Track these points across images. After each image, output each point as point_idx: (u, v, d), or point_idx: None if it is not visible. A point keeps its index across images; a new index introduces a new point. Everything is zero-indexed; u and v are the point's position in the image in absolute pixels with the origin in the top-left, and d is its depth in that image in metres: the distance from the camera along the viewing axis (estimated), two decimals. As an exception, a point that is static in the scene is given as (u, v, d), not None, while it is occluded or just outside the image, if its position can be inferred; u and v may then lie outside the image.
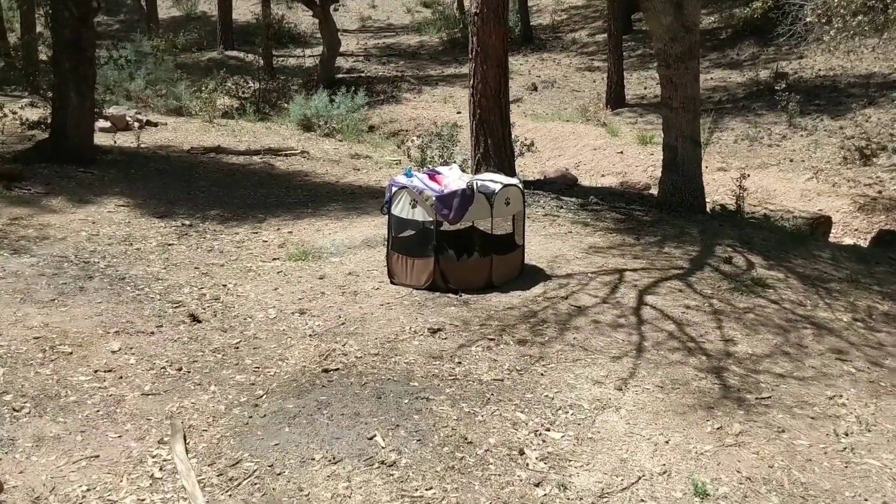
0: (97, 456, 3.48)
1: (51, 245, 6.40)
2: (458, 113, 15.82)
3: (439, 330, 4.95)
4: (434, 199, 5.53)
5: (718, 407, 4.11)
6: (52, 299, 5.19)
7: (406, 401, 4.01)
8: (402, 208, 5.71)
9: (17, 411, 3.75)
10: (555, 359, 4.58)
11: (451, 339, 4.85)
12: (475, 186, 5.62)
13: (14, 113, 9.46)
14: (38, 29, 16.09)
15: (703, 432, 3.86)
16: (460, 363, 4.52)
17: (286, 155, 11.46)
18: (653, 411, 4.03)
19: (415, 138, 13.37)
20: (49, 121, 9.77)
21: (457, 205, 5.55)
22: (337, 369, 4.42)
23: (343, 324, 5.09)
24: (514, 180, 6.08)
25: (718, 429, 3.89)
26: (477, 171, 8.17)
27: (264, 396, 4.07)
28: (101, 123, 10.90)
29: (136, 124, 12.19)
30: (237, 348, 4.70)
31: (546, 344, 4.77)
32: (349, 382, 4.23)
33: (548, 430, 3.81)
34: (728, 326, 5.16)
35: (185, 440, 3.59)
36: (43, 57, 15.47)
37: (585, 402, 4.09)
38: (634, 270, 6.11)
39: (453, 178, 5.88)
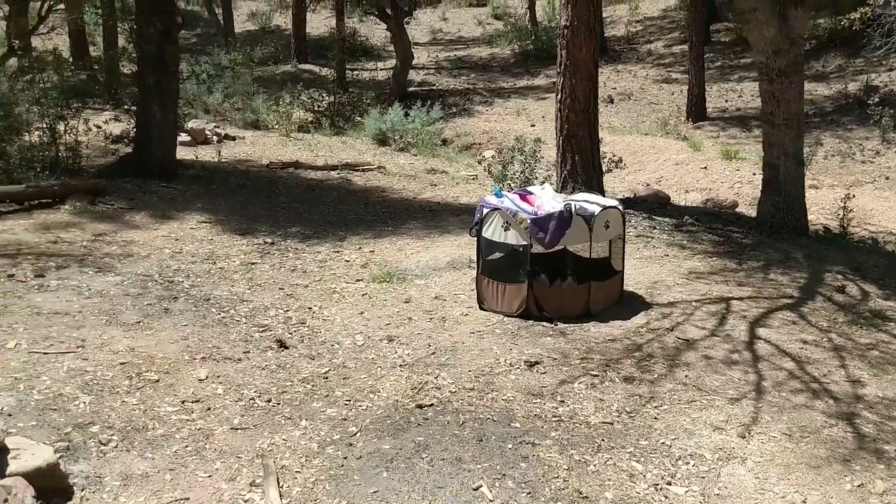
0: (187, 499, 3.29)
1: (135, 263, 6.32)
2: (532, 126, 15.52)
3: (537, 363, 4.65)
4: (529, 221, 5.24)
5: (855, 460, 3.71)
6: (138, 321, 5.07)
7: (510, 445, 3.72)
8: (493, 231, 5.44)
9: (104, 445, 3.59)
10: (667, 399, 4.23)
11: (550, 373, 4.55)
12: (573, 209, 5.32)
13: (98, 127, 9.54)
14: (121, 43, 16.42)
15: (843, 490, 3.47)
16: (563, 402, 4.22)
17: (363, 170, 11.33)
18: (783, 464, 3.65)
19: (489, 152, 13.14)
20: (132, 135, 9.83)
21: (553, 228, 5.25)
22: (431, 405, 4.15)
23: (433, 353, 4.83)
24: (613, 202, 5.75)
25: (859, 486, 3.50)
26: (563, 188, 7.86)
27: (358, 434, 3.84)
28: (181, 137, 10.94)
29: (215, 138, 12.25)
30: (326, 378, 4.49)
31: (656, 382, 4.42)
32: (446, 421, 3.97)
33: (669, 483, 3.47)
34: (852, 365, 4.73)
35: (278, 483, 3.37)
36: (125, 71, 15.79)
37: (707, 452, 3.73)
38: (741, 299, 5.70)
39: (546, 199, 5.59)
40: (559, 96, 7.98)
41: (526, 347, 4.88)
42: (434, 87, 19.81)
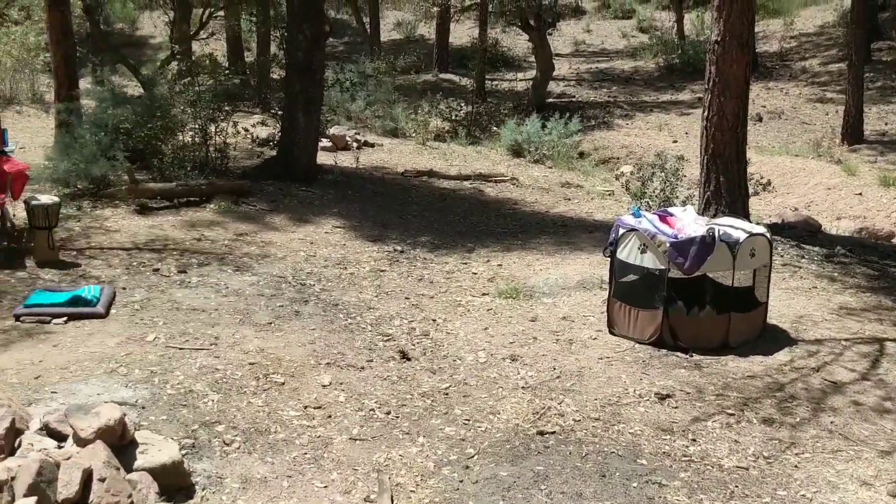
0: (302, 507, 3.29)
1: (271, 264, 6.49)
2: (675, 142, 14.98)
3: (668, 396, 4.40)
4: (668, 245, 4.99)
5: None
6: (269, 322, 5.18)
7: (635, 484, 3.51)
8: (628, 252, 5.21)
9: (228, 445, 3.65)
10: (809, 447, 3.90)
11: (682, 408, 4.29)
12: (716, 234, 5.02)
13: (246, 130, 9.94)
14: (273, 50, 17.11)
15: None
16: (695, 440, 3.96)
17: (496, 181, 11.25)
18: (944, 533, 3.28)
19: (627, 167, 12.78)
20: (277, 139, 10.17)
21: (694, 253, 4.97)
22: (553, 433, 4.00)
23: (558, 377, 4.67)
24: (760, 228, 5.40)
25: None
26: (705, 209, 7.48)
27: (476, 457, 3.73)
28: (322, 143, 11.23)
29: (355, 144, 12.51)
30: (447, 394, 4.41)
31: (798, 427, 4.08)
32: (567, 451, 3.80)
33: (810, 543, 3.18)
34: None
35: (392, 501, 3.31)
36: (275, 77, 16.43)
37: (854, 511, 3.40)
38: (898, 341, 5.22)
39: (688, 222, 5.31)
40: (706, 113, 7.61)
41: (657, 378, 4.63)
42: (573, 99, 19.52)
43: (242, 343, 4.77)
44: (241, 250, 6.84)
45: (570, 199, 10.61)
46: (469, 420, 4.11)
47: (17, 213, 6.96)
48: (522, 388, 4.52)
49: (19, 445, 3.07)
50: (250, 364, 4.48)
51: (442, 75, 21.91)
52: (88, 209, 7.78)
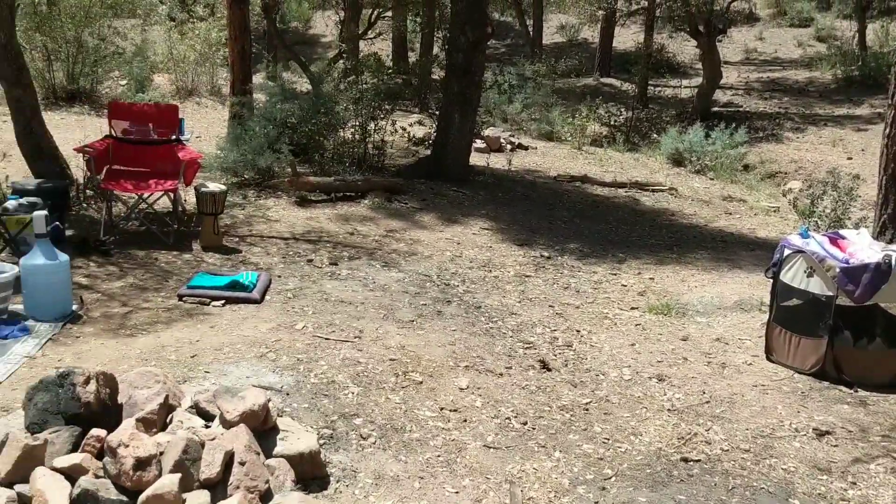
0: (432, 511, 3.26)
1: (417, 262, 6.56)
2: (849, 159, 13.95)
3: (828, 433, 4.06)
4: (838, 270, 4.61)
5: None
6: (411, 320, 5.21)
7: (786, 526, 3.25)
8: (793, 275, 4.86)
9: (364, 439, 3.68)
10: None
11: (842, 447, 3.94)
12: (893, 261, 4.59)
13: (404, 129, 10.14)
14: (435, 51, 17.38)
15: None
16: (855, 483, 3.63)
17: (652, 190, 10.89)
18: None
19: (795, 183, 12.03)
20: (432, 139, 10.29)
21: (867, 280, 4.57)
22: (698, 461, 3.78)
23: (707, 402, 4.42)
24: (946, 259, 4.89)
25: None
26: (881, 234, 6.87)
27: (613, 479, 3.58)
28: (476, 144, 11.28)
29: (509, 146, 12.48)
30: (587, 410, 4.27)
31: (981, 483, 3.65)
32: (713, 482, 3.57)
33: None
34: None
35: (522, 515, 3.23)
36: (435, 77, 16.66)
37: None
38: None
39: (862, 247, 4.89)
40: (887, 130, 6.98)
41: (816, 413, 4.29)
42: (740, 109, 18.62)
43: (385, 338, 4.82)
44: (389, 247, 6.95)
45: (731, 214, 10.11)
46: (609, 439, 3.96)
47: (188, 198, 7.41)
48: (668, 410, 4.30)
49: (170, 421, 3.21)
50: (391, 360, 4.51)
51: (603, 79, 21.52)
52: (253, 198, 8.15)
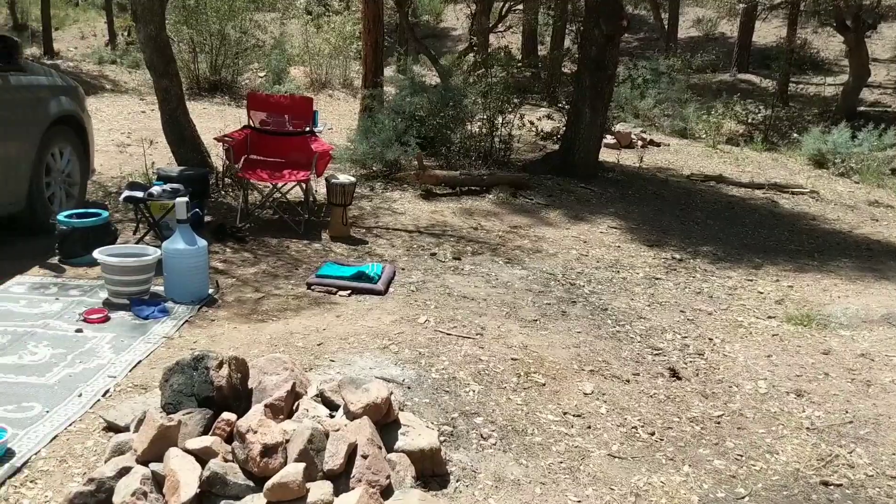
0: (552, 519, 3.17)
1: (542, 260, 6.45)
2: None
3: None
4: None
5: None
6: (535, 320, 5.11)
7: (943, 567, 2.96)
8: (956, 291, 4.45)
9: (484, 439, 3.62)
10: None
11: None
12: None
13: (532, 123, 10.01)
14: (567, 44, 17.13)
15: None
16: None
17: (792, 193, 10.32)
18: None
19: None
20: (560, 133, 10.12)
21: None
22: (840, 485, 3.51)
23: (850, 422, 4.11)
24: None
25: None
26: None
27: (746, 499, 3.37)
28: (606, 140, 11.02)
29: (639, 143, 12.14)
30: (718, 423, 4.05)
31: None
32: (858, 511, 3.31)
33: None
34: None
35: (647, 531, 3.08)
36: (565, 71, 16.41)
37: None
38: None
39: None
40: None
41: (978, 443, 3.91)
42: (889, 109, 17.42)
43: (507, 337, 4.75)
44: (513, 243, 6.87)
45: (877, 220, 9.45)
46: (742, 456, 3.74)
47: (319, 189, 7.57)
48: (807, 428, 4.03)
49: (296, 409, 3.26)
50: (513, 360, 4.43)
51: (740, 75, 20.63)
52: (380, 190, 8.25)
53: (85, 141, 6.50)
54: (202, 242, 4.92)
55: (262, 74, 17.62)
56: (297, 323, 4.71)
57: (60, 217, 5.45)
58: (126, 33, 21.11)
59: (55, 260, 5.50)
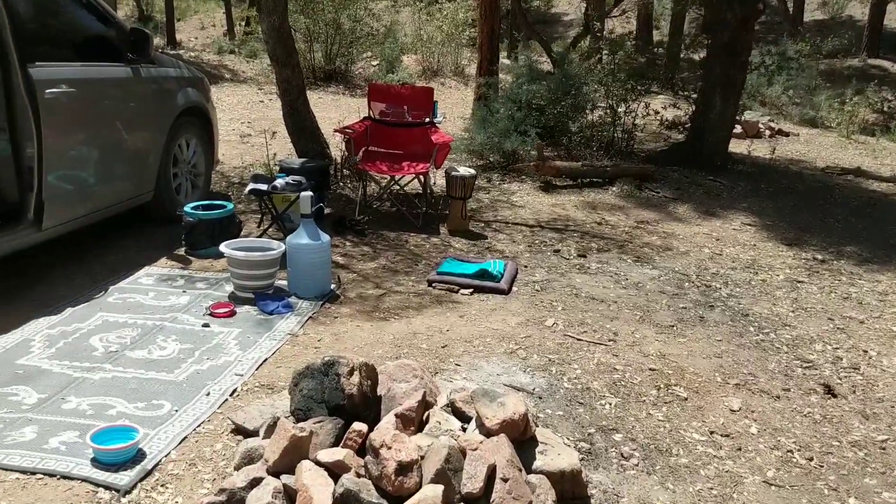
0: (706, 554, 2.88)
1: (672, 258, 6.08)
2: None
3: None
4: None
5: None
6: (671, 325, 4.79)
7: None
8: None
9: (626, 459, 3.36)
10: None
11: None
12: None
13: (656, 112, 9.54)
14: (685, 29, 16.42)
15: None
16: None
17: (942, 188, 9.50)
18: None
19: None
20: (686, 123, 9.64)
21: None
22: None
23: None
24: None
25: None
26: None
27: (928, 543, 3.00)
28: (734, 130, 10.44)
29: (768, 133, 11.49)
30: (883, 449, 3.65)
31: None
32: None
33: None
34: None
35: (817, 575, 2.76)
36: (683, 57, 15.72)
37: None
38: None
39: None
40: None
41: None
42: None
43: (642, 344, 4.45)
44: (641, 239, 6.52)
45: None
46: (916, 489, 3.34)
47: (437, 180, 7.42)
48: None
49: (427, 420, 3.08)
50: (650, 370, 4.14)
51: (871, 61, 19.35)
52: (497, 182, 8.04)
53: (210, 132, 6.54)
54: (325, 237, 4.83)
55: (375, 63, 17.68)
56: (419, 322, 4.55)
57: (187, 209, 5.48)
58: (244, 23, 21.61)
59: (182, 251, 5.54)
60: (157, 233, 5.87)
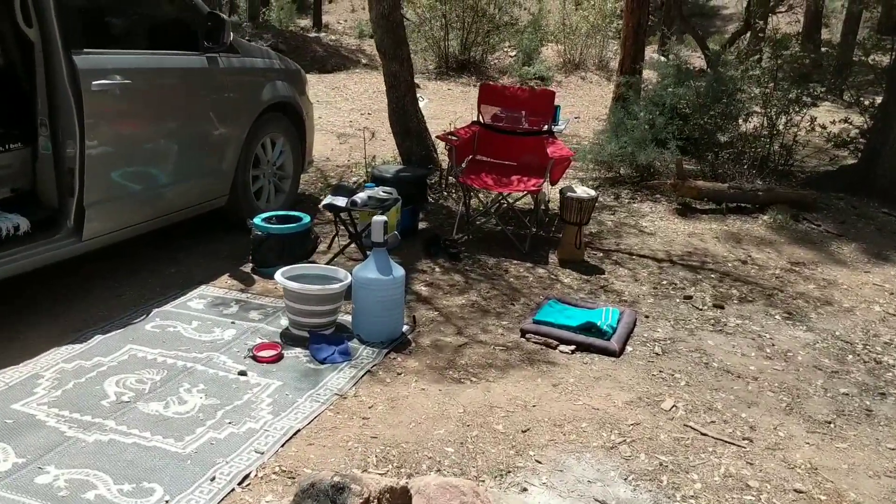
0: None
1: (833, 317, 4.90)
2: None
3: None
4: None
5: None
6: (828, 421, 3.68)
7: None
8: None
9: None
10: None
11: None
12: None
13: (823, 127, 8.13)
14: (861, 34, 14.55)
15: None
16: None
17: None
18: None
19: None
20: (859, 141, 8.20)
21: None
22: None
23: None
24: None
25: None
26: None
27: None
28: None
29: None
30: None
31: None
32: None
33: None
34: None
35: None
36: (861, 60, 13.90)
37: None
38: None
39: None
40: None
41: None
42: None
43: (787, 448, 3.40)
44: (794, 287, 5.35)
45: None
46: None
47: (552, 196, 6.49)
48: None
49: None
50: (795, 492, 3.10)
51: None
52: (626, 200, 7.02)
53: (301, 130, 5.89)
54: (399, 272, 4.03)
55: (512, 54, 16.80)
56: (500, 390, 3.68)
57: (257, 220, 4.83)
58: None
59: (248, 268, 4.91)
60: (229, 243, 5.26)
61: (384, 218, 4.03)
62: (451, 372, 3.83)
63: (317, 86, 12.61)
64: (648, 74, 10.58)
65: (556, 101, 6.16)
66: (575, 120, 10.74)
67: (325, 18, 22.16)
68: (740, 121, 8.01)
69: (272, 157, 5.67)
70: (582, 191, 5.48)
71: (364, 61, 17.03)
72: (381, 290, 3.96)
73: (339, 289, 3.99)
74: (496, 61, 16.40)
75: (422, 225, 5.95)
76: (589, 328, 4.22)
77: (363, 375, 3.70)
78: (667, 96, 8.06)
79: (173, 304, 4.30)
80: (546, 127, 5.97)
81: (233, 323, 4.12)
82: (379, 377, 3.72)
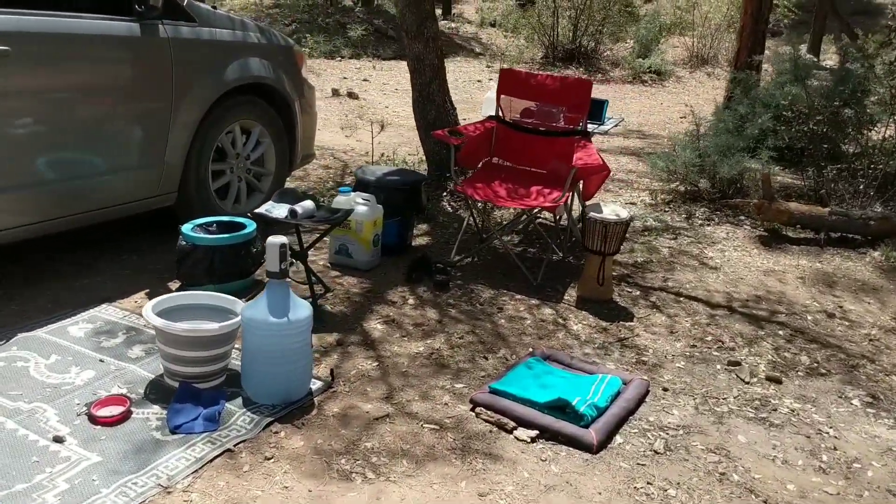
0: None
1: (941, 413, 3.48)
2: None
3: None
4: None
5: None
6: None
7: None
8: None
9: None
10: None
11: None
12: None
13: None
14: None
15: None
16: None
17: None
18: None
19: None
20: None
21: None
22: None
23: None
24: None
25: None
26: None
27: None
28: None
29: None
30: None
31: None
32: None
33: None
34: None
35: None
36: None
37: None
38: None
39: None
40: None
41: None
42: None
43: None
44: (891, 357, 3.94)
45: None
46: None
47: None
48: None
49: None
50: None
51: None
52: (700, 222, 5.70)
53: (289, 119, 4.96)
54: (301, 312, 3.00)
55: (628, 44, 15.37)
56: (397, 498, 2.60)
57: (186, 227, 3.94)
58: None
59: (175, 285, 4.03)
60: (167, 252, 4.39)
61: (283, 239, 3.02)
62: (343, 460, 2.77)
63: (406, 73, 11.77)
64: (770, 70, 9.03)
65: (601, 96, 4.91)
66: (681, 119, 9.37)
67: (462, 7, 21.31)
68: (863, 131, 6.45)
69: (243, 149, 4.78)
70: (611, 209, 4.26)
71: (477, 49, 16.12)
72: (272, 335, 2.95)
73: (220, 330, 3.01)
74: (609, 52, 15.03)
75: (421, 241, 4.91)
76: (562, 407, 3.06)
77: (216, 458, 2.71)
78: (779, 96, 6.61)
79: (49, 329, 3.48)
80: (581, 125, 4.74)
81: (101, 361, 3.24)
82: (237, 462, 2.72)
